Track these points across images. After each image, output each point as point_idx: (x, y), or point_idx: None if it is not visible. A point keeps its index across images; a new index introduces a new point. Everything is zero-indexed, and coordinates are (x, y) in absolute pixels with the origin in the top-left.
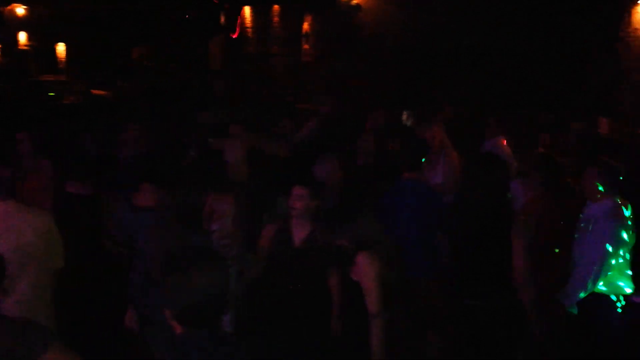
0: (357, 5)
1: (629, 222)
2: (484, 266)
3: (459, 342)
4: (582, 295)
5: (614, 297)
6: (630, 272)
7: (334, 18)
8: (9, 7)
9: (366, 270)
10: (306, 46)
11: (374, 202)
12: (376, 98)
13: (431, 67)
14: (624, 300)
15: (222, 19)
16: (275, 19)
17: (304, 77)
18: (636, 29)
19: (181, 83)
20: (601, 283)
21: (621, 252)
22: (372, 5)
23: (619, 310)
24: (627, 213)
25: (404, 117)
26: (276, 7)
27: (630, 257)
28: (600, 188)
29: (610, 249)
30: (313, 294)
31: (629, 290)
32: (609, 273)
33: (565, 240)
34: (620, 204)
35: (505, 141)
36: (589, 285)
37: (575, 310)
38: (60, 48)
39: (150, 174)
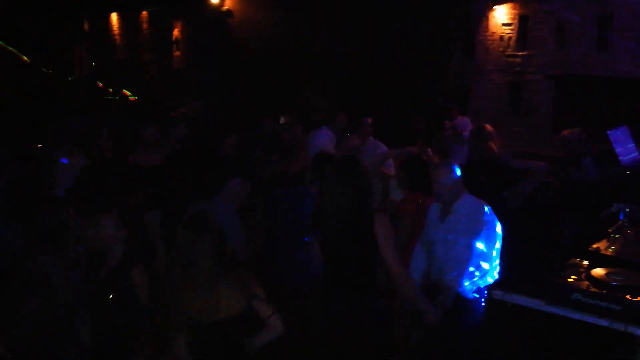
0: (229, 11)
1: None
2: (351, 270)
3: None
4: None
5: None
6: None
7: (204, 24)
8: None
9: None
10: (177, 53)
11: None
12: (250, 103)
13: (303, 71)
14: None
15: (87, 26)
16: (145, 25)
17: (176, 84)
18: (493, 32)
19: (45, 91)
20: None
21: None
22: (243, 11)
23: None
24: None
25: (282, 121)
26: (144, 13)
27: None
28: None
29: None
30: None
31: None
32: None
33: None
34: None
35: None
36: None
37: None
38: None
39: None
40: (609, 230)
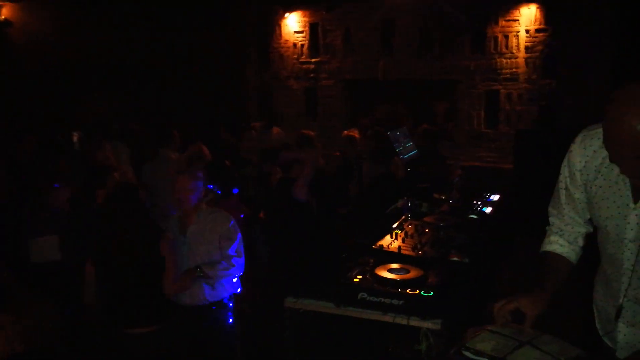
0: (7, 21)
1: None
2: (138, 291)
3: None
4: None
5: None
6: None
7: None
8: None
9: None
10: None
11: None
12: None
13: (89, 83)
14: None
15: None
16: None
17: None
18: (287, 40)
19: None
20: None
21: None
22: (24, 20)
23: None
24: None
25: (75, 137)
26: None
27: None
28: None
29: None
30: None
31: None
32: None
33: None
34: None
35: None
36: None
37: None
38: None
39: None
40: (393, 226)
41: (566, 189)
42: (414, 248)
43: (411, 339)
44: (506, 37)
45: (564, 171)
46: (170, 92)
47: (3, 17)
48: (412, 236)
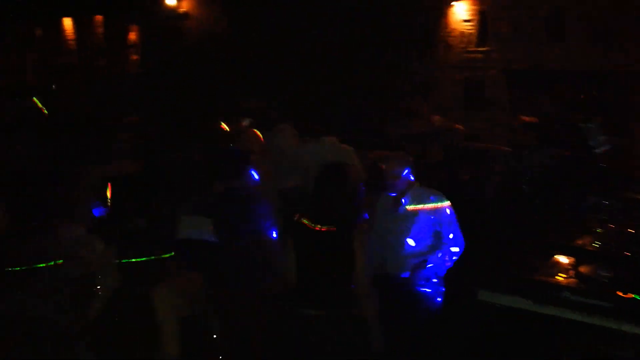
0: (185, 14)
1: None
2: (326, 275)
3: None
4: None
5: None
6: None
7: (161, 27)
8: None
9: None
10: (135, 57)
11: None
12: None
13: (258, 72)
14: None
15: (39, 31)
16: (99, 29)
17: (135, 89)
18: (453, 29)
19: None
20: None
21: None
22: (197, 12)
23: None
24: None
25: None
26: (99, 17)
27: None
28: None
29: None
30: None
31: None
32: None
33: None
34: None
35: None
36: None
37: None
38: None
39: None
40: (591, 225)
41: None
42: (619, 249)
43: (613, 344)
44: None
45: None
46: (331, 83)
47: (182, 9)
48: (614, 236)
